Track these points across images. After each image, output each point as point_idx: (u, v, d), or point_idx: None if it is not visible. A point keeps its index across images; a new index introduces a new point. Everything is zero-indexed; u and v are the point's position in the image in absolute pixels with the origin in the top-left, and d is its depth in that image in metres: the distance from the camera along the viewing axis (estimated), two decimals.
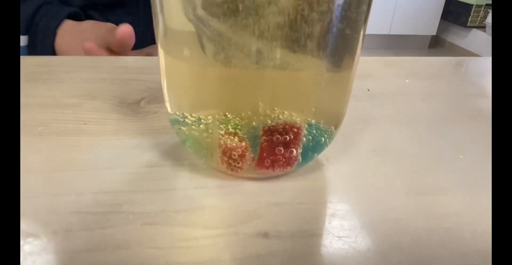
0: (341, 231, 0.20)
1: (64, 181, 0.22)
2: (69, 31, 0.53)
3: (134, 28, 0.47)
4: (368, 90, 0.37)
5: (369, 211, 0.21)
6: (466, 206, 0.22)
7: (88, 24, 0.54)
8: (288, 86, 0.21)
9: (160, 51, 0.21)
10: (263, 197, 0.22)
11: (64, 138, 0.27)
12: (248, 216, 0.20)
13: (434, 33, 2.99)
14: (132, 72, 0.40)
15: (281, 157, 0.21)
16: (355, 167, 0.25)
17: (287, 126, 0.21)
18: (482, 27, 2.72)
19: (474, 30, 2.80)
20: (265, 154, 0.21)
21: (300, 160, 0.22)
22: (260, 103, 0.20)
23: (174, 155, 0.25)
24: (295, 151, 0.21)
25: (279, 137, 0.21)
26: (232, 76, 0.20)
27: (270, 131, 0.21)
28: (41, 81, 0.35)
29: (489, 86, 0.41)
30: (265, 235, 0.19)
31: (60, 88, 0.35)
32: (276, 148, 0.21)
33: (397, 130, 0.30)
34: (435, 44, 3.14)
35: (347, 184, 0.23)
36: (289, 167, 0.22)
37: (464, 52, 2.84)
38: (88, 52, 0.47)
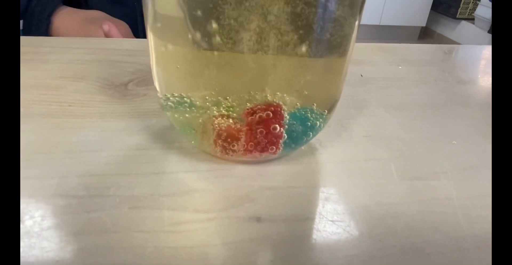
0: (334, 215, 0.19)
1: (48, 164, 0.21)
2: (69, 15, 0.52)
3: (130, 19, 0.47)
4: (361, 75, 0.37)
5: (363, 196, 0.21)
6: (459, 191, 0.22)
7: (93, 12, 0.54)
8: (280, 69, 0.20)
9: (150, 35, 0.21)
10: (256, 181, 0.21)
11: (47, 119, 0.25)
12: (240, 200, 0.20)
13: (424, 25, 2.99)
14: (120, 54, 0.39)
15: (263, 138, 0.20)
16: (349, 151, 0.25)
17: (264, 106, 0.20)
18: (471, 19, 2.73)
19: (463, 22, 2.81)
20: (250, 137, 0.20)
21: (285, 138, 0.21)
22: (251, 85, 0.20)
23: (164, 138, 0.24)
24: (277, 130, 0.20)
25: (259, 117, 0.20)
26: (223, 58, 0.20)
27: (251, 113, 0.20)
28: (24, 62, 0.34)
29: (480, 73, 0.41)
30: (258, 219, 0.18)
31: (43, 69, 0.33)
32: (258, 130, 0.20)
33: (390, 115, 0.30)
34: (425, 36, 3.15)
35: (340, 168, 0.23)
36: (274, 148, 0.21)
37: (453, 44, 2.85)
38: (107, 34, 0.47)
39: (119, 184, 0.20)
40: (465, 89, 0.36)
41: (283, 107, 0.20)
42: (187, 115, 0.21)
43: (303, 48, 0.19)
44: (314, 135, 0.22)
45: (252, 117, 0.20)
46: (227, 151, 0.21)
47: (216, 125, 0.20)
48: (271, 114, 0.20)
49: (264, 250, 0.17)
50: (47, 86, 0.30)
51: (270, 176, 0.22)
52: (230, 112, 0.20)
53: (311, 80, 0.21)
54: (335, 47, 0.20)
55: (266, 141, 0.20)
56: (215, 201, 0.20)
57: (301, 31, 0.18)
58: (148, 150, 0.23)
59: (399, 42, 0.48)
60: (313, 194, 0.21)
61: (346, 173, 0.22)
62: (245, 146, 0.21)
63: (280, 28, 0.18)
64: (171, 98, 0.22)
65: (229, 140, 0.20)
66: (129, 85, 0.32)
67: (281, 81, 0.20)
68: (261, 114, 0.20)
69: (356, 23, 0.20)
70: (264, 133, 0.20)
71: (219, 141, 0.21)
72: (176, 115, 0.21)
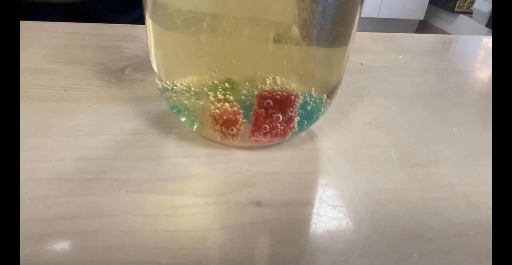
0: (335, 200, 0.19)
1: (43, 147, 0.21)
2: None
3: None
4: (361, 64, 0.36)
5: (363, 181, 0.20)
6: (459, 178, 0.22)
7: None
8: (281, 53, 0.19)
9: (148, 20, 0.20)
10: (255, 166, 0.21)
11: (42, 104, 0.25)
12: (240, 185, 0.19)
13: (422, 18, 2.98)
14: (117, 40, 0.38)
15: (279, 125, 0.20)
16: (349, 138, 0.24)
17: (284, 93, 0.20)
18: (469, 13, 2.72)
19: (461, 15, 2.80)
20: (261, 122, 0.20)
21: (297, 129, 0.21)
22: (252, 68, 0.19)
23: (161, 123, 0.24)
24: (294, 120, 0.20)
25: (276, 105, 0.20)
26: (222, 42, 0.19)
27: (265, 98, 0.20)
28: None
29: (479, 63, 0.41)
30: (258, 203, 0.18)
31: (39, 53, 0.32)
32: (274, 116, 0.20)
33: (391, 103, 0.29)
34: (422, 29, 3.14)
35: (341, 154, 0.23)
36: (286, 136, 0.21)
37: None
38: None
39: (116, 168, 0.20)
40: (464, 78, 0.36)
41: (296, 91, 0.20)
42: (185, 101, 0.21)
43: (304, 32, 0.19)
44: (316, 120, 0.22)
45: (267, 101, 0.19)
46: (228, 136, 0.20)
47: (215, 109, 0.20)
48: (287, 99, 0.20)
49: (264, 234, 0.17)
50: (41, 70, 0.30)
51: (270, 162, 0.21)
52: (228, 96, 0.20)
53: (311, 64, 0.20)
54: (337, 31, 0.20)
55: (282, 128, 0.20)
56: (214, 185, 0.19)
57: (303, 16, 0.18)
58: (145, 135, 0.23)
59: None
60: (313, 179, 0.20)
61: (346, 159, 0.22)
62: (254, 131, 0.20)
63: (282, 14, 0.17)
64: (169, 83, 0.21)
65: (230, 125, 0.20)
66: (126, 71, 0.31)
67: (281, 65, 0.20)
68: (277, 98, 0.19)
69: (358, 9, 0.20)
70: (280, 119, 0.20)
71: (218, 125, 0.20)
72: (174, 100, 0.21)
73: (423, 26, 3.14)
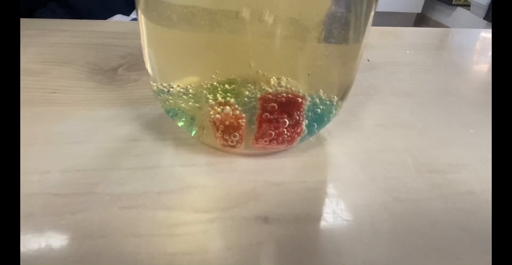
0: (349, 213, 0.17)
1: (27, 158, 0.19)
2: None
3: None
4: (368, 60, 0.34)
5: (379, 191, 0.19)
6: (481, 184, 0.20)
7: None
8: (288, 51, 0.18)
9: (141, 17, 0.18)
10: (261, 176, 0.19)
11: (27, 108, 0.23)
12: (245, 197, 0.18)
13: (420, 11, 2.95)
14: (109, 37, 0.36)
15: (286, 131, 0.18)
16: (361, 141, 0.22)
17: (290, 95, 0.18)
18: (467, 5, 2.69)
19: (459, 8, 2.78)
20: (266, 127, 0.18)
21: (306, 133, 0.19)
22: (254, 67, 0.17)
23: (157, 128, 0.22)
24: (301, 124, 0.18)
25: (281, 108, 0.18)
26: (224, 40, 0.17)
27: (269, 101, 0.18)
28: None
29: (490, 58, 0.39)
30: (265, 219, 0.16)
31: (25, 52, 0.30)
32: (280, 120, 0.18)
33: (402, 102, 0.28)
34: (420, 22, 3.11)
35: (353, 160, 0.21)
36: (294, 142, 0.19)
37: None
38: None
39: (108, 180, 0.18)
40: (476, 73, 0.34)
41: (303, 93, 0.18)
42: (182, 104, 0.19)
43: (313, 27, 0.17)
44: (327, 123, 0.20)
45: (272, 104, 0.18)
46: (231, 143, 0.18)
47: (216, 114, 0.18)
48: (293, 102, 0.18)
49: (274, 255, 0.15)
50: (28, 71, 0.28)
51: (276, 170, 0.20)
52: (229, 98, 0.18)
53: (322, 63, 0.18)
54: (351, 28, 0.18)
55: (289, 134, 0.18)
56: (216, 198, 0.17)
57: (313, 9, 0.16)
58: (140, 142, 0.21)
59: None
60: (325, 189, 0.19)
61: (359, 165, 0.20)
62: (259, 138, 0.19)
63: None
64: (165, 85, 0.19)
65: (231, 131, 0.18)
66: (119, 70, 0.29)
67: (287, 64, 0.18)
68: (282, 101, 0.18)
69: (373, 4, 0.18)
70: (286, 123, 0.18)
71: (219, 132, 0.18)
72: (170, 103, 0.19)
73: (420, 19, 3.12)
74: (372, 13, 0.18)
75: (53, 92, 0.25)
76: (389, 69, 0.33)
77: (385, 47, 0.38)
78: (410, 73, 0.33)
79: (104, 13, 0.61)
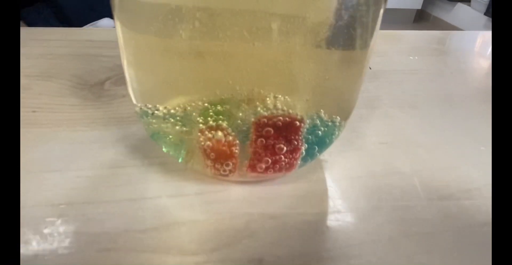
0: (355, 250, 0.16)
1: None
2: None
3: None
4: (370, 68, 0.33)
5: (386, 224, 0.17)
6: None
7: None
8: (286, 69, 0.16)
9: (117, 25, 0.16)
10: (255, 207, 0.17)
11: None
12: (237, 235, 0.16)
13: (420, 7, 2.93)
14: (97, 46, 0.34)
15: (283, 157, 0.17)
16: (364, 163, 0.21)
17: (287, 118, 0.16)
18: (467, 1, 2.67)
19: (459, 4, 2.75)
20: (261, 154, 0.16)
21: (306, 158, 0.17)
22: (250, 84, 0.15)
23: (144, 151, 0.20)
24: (300, 149, 0.17)
25: (277, 133, 0.16)
26: (212, 52, 0.15)
27: (264, 125, 0.16)
28: None
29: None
30: (260, 261, 0.15)
31: None
32: (276, 146, 0.16)
33: (407, 116, 0.26)
34: (420, 19, 3.09)
35: (356, 186, 0.19)
36: (292, 169, 0.17)
37: (448, 27, 2.80)
38: None
39: (85, 217, 0.16)
40: (485, 81, 0.32)
41: (301, 116, 0.16)
42: (168, 128, 0.17)
43: (317, 40, 0.15)
44: (329, 145, 0.19)
45: (267, 129, 0.16)
46: (223, 173, 0.17)
47: (208, 142, 0.16)
48: (290, 126, 0.16)
49: None
50: None
51: (273, 200, 0.18)
52: (221, 121, 0.16)
53: (323, 82, 0.17)
54: (355, 47, 0.16)
55: (286, 161, 0.17)
56: (205, 237, 0.16)
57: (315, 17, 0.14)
58: (124, 168, 0.19)
59: (394, 25, 0.44)
60: (326, 223, 0.17)
61: (363, 193, 0.19)
62: (253, 165, 0.17)
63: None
64: (149, 106, 0.17)
65: (223, 160, 0.17)
66: (105, 84, 0.28)
67: (286, 82, 0.16)
68: (278, 125, 0.16)
69: (381, 11, 0.16)
70: (283, 150, 0.16)
71: (209, 160, 0.17)
72: (155, 127, 0.17)
73: (420, 16, 3.09)
74: (377, 28, 0.16)
75: (34, 111, 0.23)
76: (392, 78, 0.31)
77: (387, 53, 0.36)
78: (415, 82, 0.31)
79: (91, 15, 0.59)
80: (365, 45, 0.17)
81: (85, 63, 0.31)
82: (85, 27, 0.63)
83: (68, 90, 0.26)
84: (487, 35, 0.44)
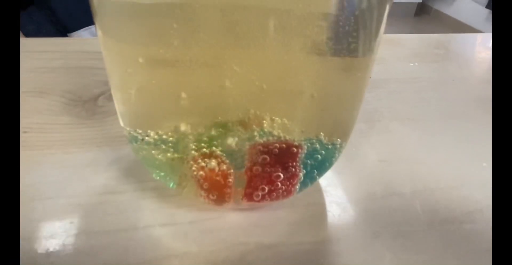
0: None
1: None
2: None
3: None
4: (369, 77, 0.32)
5: (386, 253, 0.16)
6: None
7: None
8: (284, 91, 0.15)
9: (100, 33, 0.15)
10: (251, 236, 0.17)
11: None
12: None
13: (420, 0, 2.90)
14: (92, 58, 0.33)
15: (280, 185, 0.16)
16: (363, 184, 0.20)
17: (284, 145, 0.16)
18: None
19: None
20: (257, 183, 0.16)
21: (302, 180, 0.17)
22: (246, 107, 0.15)
23: (136, 174, 0.20)
24: (298, 175, 0.16)
25: (274, 160, 0.16)
26: (208, 75, 0.14)
27: (261, 152, 0.16)
28: None
29: None
30: None
31: None
32: (273, 174, 0.16)
33: (408, 130, 0.25)
34: (421, 12, 3.06)
35: (355, 210, 0.19)
36: (290, 196, 0.17)
37: (450, 20, 2.78)
38: None
39: (75, 251, 0.16)
40: (487, 89, 0.32)
41: (299, 141, 0.16)
42: (160, 155, 0.16)
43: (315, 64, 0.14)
44: (328, 168, 0.18)
45: (263, 156, 0.15)
46: (218, 203, 0.16)
47: (201, 172, 0.16)
48: (287, 152, 0.16)
49: None
50: None
51: (270, 227, 0.17)
52: (215, 148, 0.16)
53: (321, 105, 0.16)
54: (356, 71, 0.16)
55: (283, 189, 0.16)
56: None
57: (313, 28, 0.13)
58: (116, 195, 0.19)
59: (395, 19, 0.43)
60: (324, 253, 0.16)
61: (363, 217, 0.18)
62: (249, 194, 0.16)
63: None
64: (140, 131, 0.17)
65: (217, 190, 0.16)
66: (99, 100, 0.27)
67: (283, 105, 0.15)
68: (274, 152, 0.15)
69: (385, 14, 0.15)
70: (280, 177, 0.16)
71: (203, 191, 0.16)
72: (145, 153, 0.17)
73: (421, 9, 3.06)
74: (377, 43, 0.16)
75: (25, 132, 0.23)
76: (392, 88, 0.30)
77: (387, 60, 0.36)
78: (415, 91, 0.30)
79: (85, 19, 0.58)
80: (366, 65, 0.16)
81: (79, 77, 0.30)
82: (79, 31, 0.62)
83: (60, 107, 0.26)
84: (488, 37, 0.43)
